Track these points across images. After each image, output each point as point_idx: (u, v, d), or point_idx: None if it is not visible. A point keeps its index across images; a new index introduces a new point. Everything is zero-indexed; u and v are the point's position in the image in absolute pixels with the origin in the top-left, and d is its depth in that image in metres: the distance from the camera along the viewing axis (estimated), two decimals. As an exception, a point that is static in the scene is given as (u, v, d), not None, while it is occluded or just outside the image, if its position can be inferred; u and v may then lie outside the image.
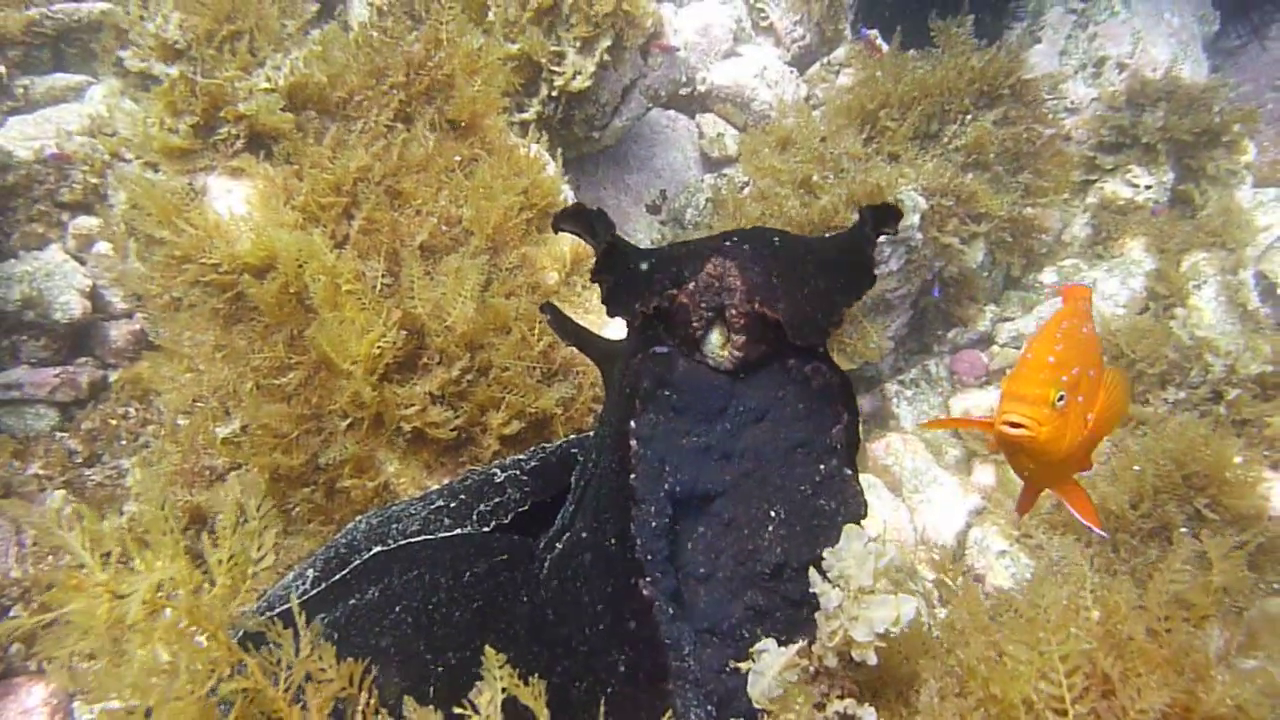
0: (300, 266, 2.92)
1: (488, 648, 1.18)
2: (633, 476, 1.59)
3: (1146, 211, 5.56)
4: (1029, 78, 5.02)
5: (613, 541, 1.63)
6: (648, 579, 1.57)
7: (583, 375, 3.09)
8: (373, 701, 1.23)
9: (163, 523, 1.13)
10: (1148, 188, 5.59)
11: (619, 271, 1.59)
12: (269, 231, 3.01)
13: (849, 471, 1.60)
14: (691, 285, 1.53)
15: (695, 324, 1.55)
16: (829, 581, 1.39)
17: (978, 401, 5.10)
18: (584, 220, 1.65)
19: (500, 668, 1.14)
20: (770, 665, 1.35)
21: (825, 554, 1.40)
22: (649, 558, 1.57)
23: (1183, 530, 3.87)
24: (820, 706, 1.38)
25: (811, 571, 1.42)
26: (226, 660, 1.13)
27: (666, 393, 1.60)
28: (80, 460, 4.00)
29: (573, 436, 2.44)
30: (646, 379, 1.59)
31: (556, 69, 4.31)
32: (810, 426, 1.60)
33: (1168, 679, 1.32)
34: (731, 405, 1.60)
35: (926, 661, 1.33)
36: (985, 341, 5.34)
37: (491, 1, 4.24)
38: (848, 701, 1.37)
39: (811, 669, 1.37)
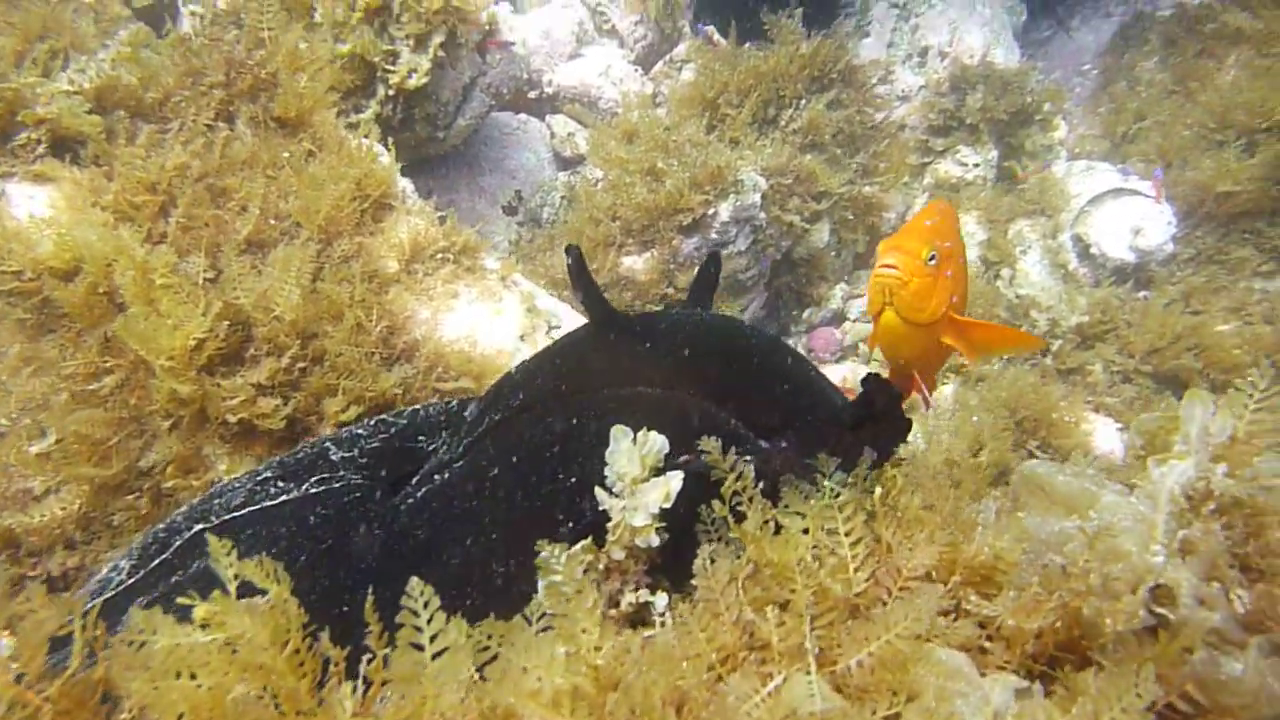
0: (109, 265, 2.77)
1: (209, 535, 1.13)
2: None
3: (977, 188, 5.94)
4: (856, 63, 5.30)
5: (562, 445, 1.60)
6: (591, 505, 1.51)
7: (421, 359, 3.04)
8: (100, 635, 1.17)
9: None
10: (975, 166, 5.97)
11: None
12: (73, 232, 2.85)
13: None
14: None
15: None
16: (613, 495, 1.41)
17: (836, 375, 5.29)
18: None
19: (228, 553, 1.09)
20: (557, 565, 1.35)
21: (605, 470, 1.42)
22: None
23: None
24: (615, 603, 1.39)
25: (597, 490, 1.44)
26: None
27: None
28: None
29: (417, 408, 2.36)
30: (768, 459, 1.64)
31: (391, 68, 4.27)
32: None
33: (934, 538, 1.40)
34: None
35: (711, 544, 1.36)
36: (838, 319, 5.56)
37: (317, 3, 4.17)
38: (641, 592, 1.38)
39: (602, 566, 1.39)
